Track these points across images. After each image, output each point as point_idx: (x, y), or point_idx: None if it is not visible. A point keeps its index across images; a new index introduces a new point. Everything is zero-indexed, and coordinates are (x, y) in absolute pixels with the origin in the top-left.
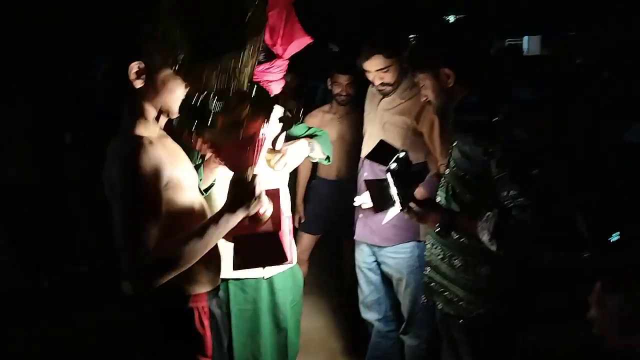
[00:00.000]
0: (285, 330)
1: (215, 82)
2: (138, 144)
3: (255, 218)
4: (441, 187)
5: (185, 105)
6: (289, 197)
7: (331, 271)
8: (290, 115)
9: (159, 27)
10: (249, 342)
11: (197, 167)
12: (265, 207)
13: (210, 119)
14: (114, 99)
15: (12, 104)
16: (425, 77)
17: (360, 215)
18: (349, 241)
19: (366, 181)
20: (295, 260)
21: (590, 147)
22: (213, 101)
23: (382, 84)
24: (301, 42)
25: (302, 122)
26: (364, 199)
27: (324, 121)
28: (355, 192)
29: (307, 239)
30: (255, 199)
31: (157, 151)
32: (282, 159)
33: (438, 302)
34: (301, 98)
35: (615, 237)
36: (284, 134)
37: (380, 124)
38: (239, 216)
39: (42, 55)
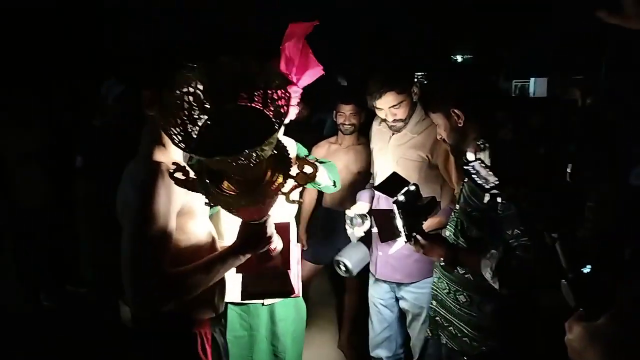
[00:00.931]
0: None
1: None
2: (155, 170)
3: (265, 254)
4: (451, 221)
5: (197, 170)
6: (295, 225)
7: (332, 303)
8: (306, 174)
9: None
10: None
11: None
12: (275, 244)
13: (222, 177)
14: (124, 123)
15: (23, 124)
16: (437, 117)
17: (380, 254)
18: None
19: (373, 211)
20: (300, 291)
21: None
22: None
23: (395, 120)
24: (314, 72)
25: (309, 154)
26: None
27: (330, 152)
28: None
29: (309, 269)
30: (265, 241)
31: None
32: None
33: (443, 336)
34: (310, 130)
35: (587, 268)
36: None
37: (394, 159)
38: (246, 256)
39: (57, 74)
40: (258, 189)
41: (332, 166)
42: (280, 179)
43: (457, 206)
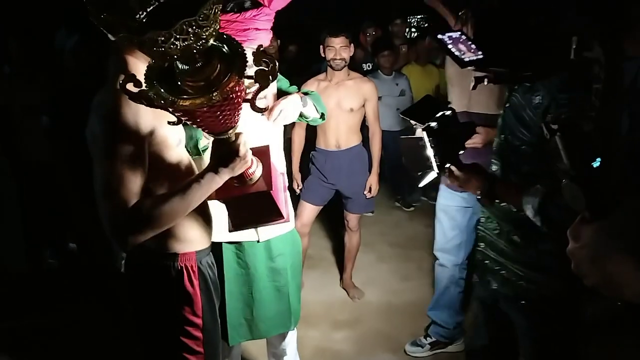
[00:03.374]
0: (287, 296)
1: (175, 47)
2: (121, 97)
3: (244, 178)
4: (495, 154)
5: (149, 75)
6: (284, 157)
7: (333, 245)
8: (265, 70)
9: None
10: (243, 308)
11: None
12: (254, 167)
13: (177, 87)
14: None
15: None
16: None
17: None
18: (351, 214)
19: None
20: (293, 220)
21: None
22: (177, 67)
23: None
24: None
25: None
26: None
27: (319, 89)
28: (355, 162)
29: (309, 210)
30: (240, 159)
31: (141, 106)
32: (277, 108)
33: (492, 281)
34: (304, 73)
35: (596, 163)
36: (264, 92)
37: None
38: (223, 177)
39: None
40: (212, 88)
41: (317, 97)
42: (235, 78)
43: (502, 136)
